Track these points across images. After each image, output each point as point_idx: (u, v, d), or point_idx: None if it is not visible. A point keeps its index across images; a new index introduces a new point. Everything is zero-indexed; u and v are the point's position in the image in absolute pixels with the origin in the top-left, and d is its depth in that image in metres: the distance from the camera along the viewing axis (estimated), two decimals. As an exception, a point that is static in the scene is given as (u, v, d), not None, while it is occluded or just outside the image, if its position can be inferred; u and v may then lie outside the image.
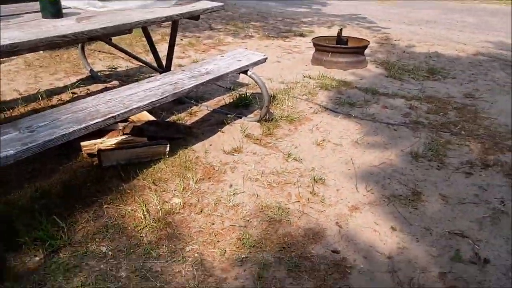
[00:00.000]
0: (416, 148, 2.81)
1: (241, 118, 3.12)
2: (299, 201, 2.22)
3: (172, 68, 3.46)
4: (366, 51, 4.73)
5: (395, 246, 1.94)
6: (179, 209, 2.09)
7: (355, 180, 2.43)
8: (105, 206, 2.06)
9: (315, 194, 2.28)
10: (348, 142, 2.87)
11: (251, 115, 3.19)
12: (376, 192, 2.32)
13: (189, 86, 2.54)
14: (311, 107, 3.41)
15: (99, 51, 4.71)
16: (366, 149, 2.80)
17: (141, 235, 1.91)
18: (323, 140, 2.87)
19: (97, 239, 1.86)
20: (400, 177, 2.48)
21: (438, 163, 2.65)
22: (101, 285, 1.63)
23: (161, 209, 2.06)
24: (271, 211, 2.12)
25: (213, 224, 2.02)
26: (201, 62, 3.05)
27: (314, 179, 2.40)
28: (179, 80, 2.63)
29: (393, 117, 3.30)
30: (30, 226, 1.85)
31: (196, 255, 1.82)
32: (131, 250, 1.82)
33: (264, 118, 3.05)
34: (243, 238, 1.93)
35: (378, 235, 2.01)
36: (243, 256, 1.83)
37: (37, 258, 1.74)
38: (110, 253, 1.80)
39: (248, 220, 2.06)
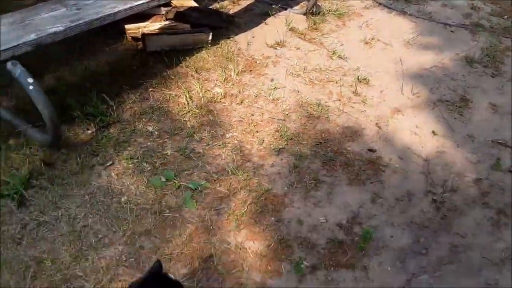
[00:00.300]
0: (472, 52, 2.61)
1: (286, 9, 2.94)
2: (340, 100, 2.19)
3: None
4: None
5: (434, 150, 1.93)
6: (220, 98, 2.12)
7: (401, 82, 2.34)
8: (150, 89, 2.13)
9: (357, 94, 2.23)
10: (399, 42, 2.69)
11: (297, 7, 3.00)
12: (422, 96, 2.24)
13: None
14: (362, 1, 3.15)
15: None
16: (418, 50, 2.63)
17: (184, 119, 1.99)
18: (372, 39, 2.70)
19: (143, 119, 1.97)
20: (450, 82, 2.35)
21: (493, 70, 2.48)
22: (149, 159, 1.77)
23: (203, 97, 2.11)
24: (311, 107, 2.12)
25: (252, 115, 2.06)
26: None
27: (358, 79, 2.33)
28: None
29: (452, 17, 3.02)
30: (81, 102, 1.96)
31: (235, 141, 1.90)
32: (175, 132, 1.92)
33: (310, 11, 2.86)
34: (281, 130, 1.97)
35: (417, 138, 1.99)
36: (280, 146, 1.89)
37: (89, 132, 1.87)
38: (156, 132, 1.91)
39: (287, 114, 2.08)
